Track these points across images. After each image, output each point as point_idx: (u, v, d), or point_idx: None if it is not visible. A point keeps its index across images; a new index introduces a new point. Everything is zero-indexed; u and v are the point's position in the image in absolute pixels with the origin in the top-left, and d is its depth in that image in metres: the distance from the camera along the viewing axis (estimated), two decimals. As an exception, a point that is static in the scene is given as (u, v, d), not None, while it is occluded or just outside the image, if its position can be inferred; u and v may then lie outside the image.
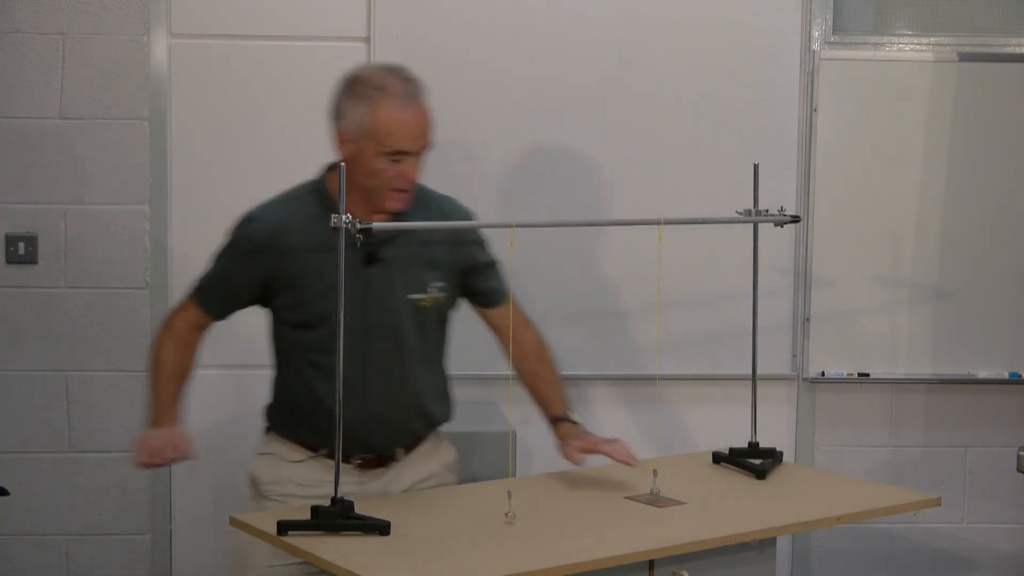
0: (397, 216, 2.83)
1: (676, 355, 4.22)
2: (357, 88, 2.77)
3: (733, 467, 3.18)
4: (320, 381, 2.82)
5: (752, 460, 3.16)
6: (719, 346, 4.27)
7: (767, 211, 3.22)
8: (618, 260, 4.16)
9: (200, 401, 4.18)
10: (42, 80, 4.04)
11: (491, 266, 3.02)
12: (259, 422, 4.15)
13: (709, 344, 4.27)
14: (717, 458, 3.24)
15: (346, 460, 2.86)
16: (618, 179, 4.19)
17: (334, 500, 2.57)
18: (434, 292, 2.88)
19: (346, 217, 2.57)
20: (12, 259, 4.06)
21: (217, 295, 2.91)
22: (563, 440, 2.93)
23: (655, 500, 2.84)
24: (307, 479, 2.89)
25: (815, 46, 4.23)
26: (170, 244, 4.13)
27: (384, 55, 4.08)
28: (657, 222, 2.95)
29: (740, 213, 3.22)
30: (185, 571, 4.23)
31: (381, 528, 2.54)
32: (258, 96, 4.12)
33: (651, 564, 2.59)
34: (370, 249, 2.80)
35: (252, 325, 4.20)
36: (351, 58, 4.11)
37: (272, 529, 2.54)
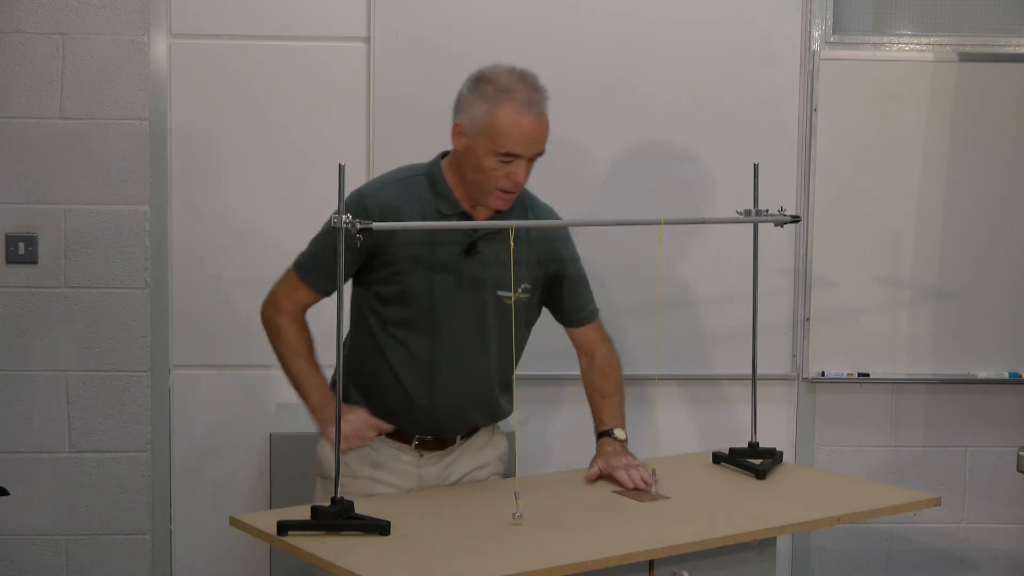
0: (499, 215, 2.90)
1: (676, 355, 4.22)
2: (482, 86, 2.82)
3: (733, 467, 3.18)
4: (398, 356, 2.90)
5: (752, 460, 3.16)
6: (719, 346, 4.27)
7: (767, 211, 3.22)
8: (617, 260, 4.16)
9: (200, 401, 4.20)
10: (42, 80, 4.04)
11: (579, 281, 3.08)
12: (257, 422, 4.17)
13: (709, 344, 4.27)
14: (717, 458, 3.24)
15: (406, 440, 2.97)
16: (618, 179, 4.19)
17: (334, 500, 2.57)
18: (519, 292, 2.94)
19: (346, 217, 2.59)
20: (12, 259, 4.06)
21: (324, 272, 2.89)
22: (596, 455, 3.01)
23: (641, 495, 2.85)
24: (374, 460, 2.96)
25: (815, 46, 4.23)
26: (170, 244, 4.13)
27: (384, 55, 4.08)
28: (657, 222, 2.95)
29: (740, 213, 3.23)
30: (185, 571, 4.23)
31: (381, 528, 2.54)
32: (258, 96, 4.13)
33: (651, 564, 2.59)
34: (472, 240, 2.86)
35: (252, 325, 4.21)
36: (351, 58, 4.12)
37: (272, 529, 2.54)
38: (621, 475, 2.92)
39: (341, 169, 2.61)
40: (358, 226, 2.60)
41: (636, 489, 2.89)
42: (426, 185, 2.90)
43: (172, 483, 4.19)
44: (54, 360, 4.11)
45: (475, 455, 3.05)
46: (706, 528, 2.66)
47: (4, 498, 3.76)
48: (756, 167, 3.24)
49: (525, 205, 2.99)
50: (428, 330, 2.89)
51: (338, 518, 2.55)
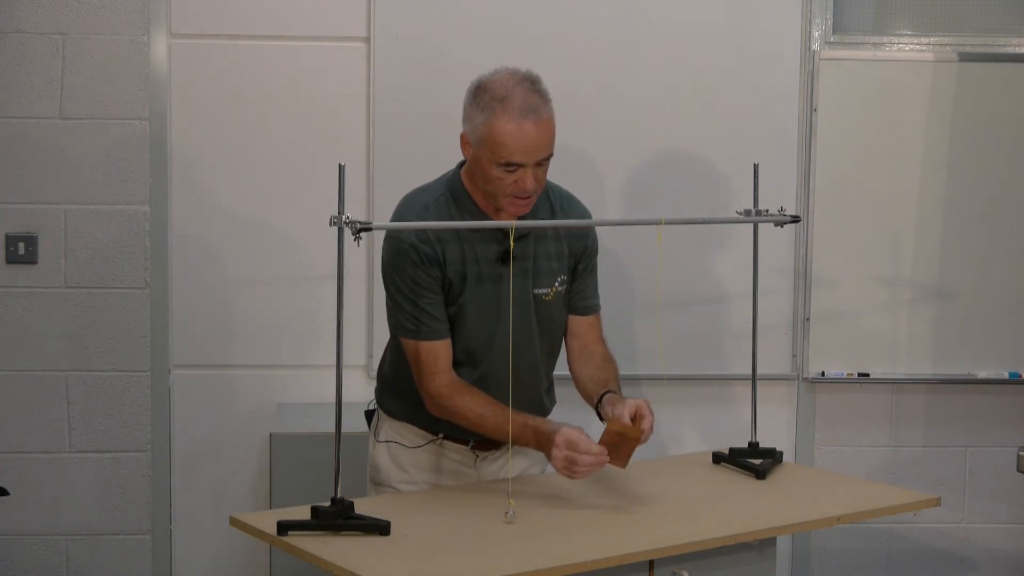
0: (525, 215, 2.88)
1: (676, 355, 4.22)
2: (480, 95, 2.78)
3: (733, 467, 3.18)
4: (456, 367, 2.89)
5: (752, 460, 3.16)
6: (719, 346, 4.27)
7: (767, 211, 3.22)
8: (617, 260, 4.16)
9: (200, 401, 4.20)
10: (42, 80, 4.04)
11: (593, 270, 3.06)
12: (257, 422, 4.17)
13: (709, 344, 4.27)
14: (717, 458, 3.24)
15: (463, 443, 2.97)
16: (618, 179, 4.19)
17: (334, 500, 2.57)
18: (557, 286, 2.95)
19: (345, 216, 2.59)
20: (12, 259, 4.06)
21: (433, 315, 2.84)
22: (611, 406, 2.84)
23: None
24: (433, 464, 2.98)
25: (815, 46, 4.23)
26: (170, 244, 4.13)
27: (384, 55, 4.08)
28: (657, 222, 2.95)
29: (740, 213, 3.22)
30: (185, 571, 4.23)
31: (381, 528, 2.54)
32: (258, 96, 4.12)
33: (651, 564, 2.59)
34: (505, 248, 2.84)
35: (249, 325, 4.22)
36: (351, 58, 4.12)
37: (272, 529, 2.54)
38: (642, 407, 2.76)
39: (341, 169, 2.61)
40: (358, 226, 2.60)
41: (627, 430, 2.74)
42: (451, 202, 2.88)
43: (172, 483, 4.19)
44: (54, 360, 4.11)
45: (527, 453, 3.04)
46: (706, 528, 2.66)
47: (4, 498, 3.76)
48: (756, 167, 3.24)
49: (551, 199, 2.97)
50: (482, 339, 2.88)
51: (338, 518, 2.55)
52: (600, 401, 2.87)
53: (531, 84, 2.79)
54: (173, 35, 4.09)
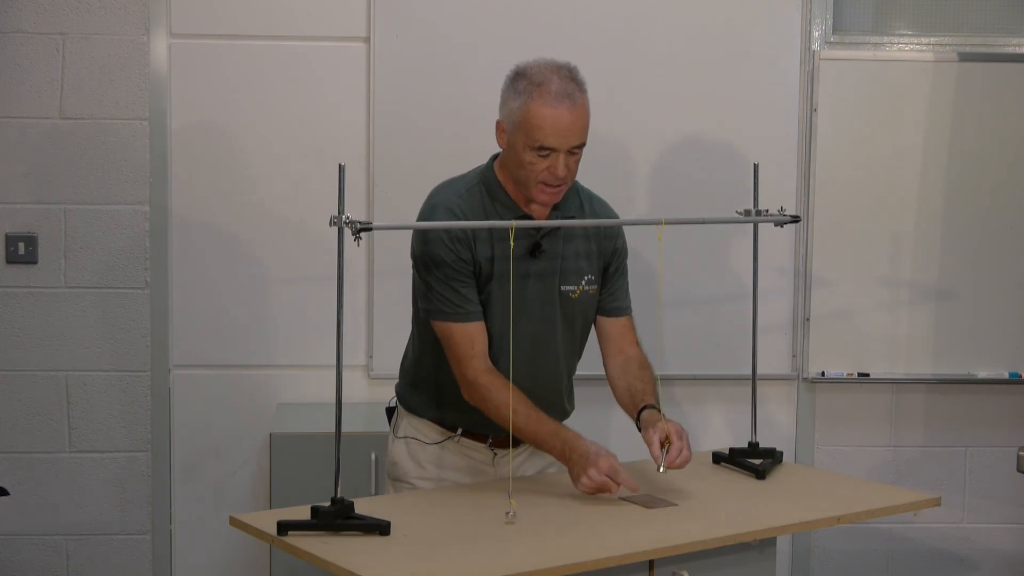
0: (553, 208, 2.91)
1: (676, 355, 4.22)
2: (518, 81, 2.83)
3: (733, 467, 3.18)
4: None
5: (752, 460, 3.16)
6: (719, 346, 4.27)
7: (767, 211, 3.22)
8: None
9: (200, 401, 4.20)
10: (42, 80, 4.04)
11: (624, 272, 3.09)
12: (257, 422, 4.17)
13: (709, 344, 4.27)
14: (717, 458, 3.24)
15: (481, 439, 2.98)
16: (618, 178, 4.19)
17: (334, 500, 2.57)
18: (584, 285, 2.96)
19: (345, 216, 2.59)
20: (12, 259, 4.06)
21: (467, 298, 2.85)
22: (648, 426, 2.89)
23: (647, 501, 2.83)
24: (447, 461, 2.99)
25: (815, 46, 4.23)
26: (170, 244, 4.13)
27: (384, 55, 4.08)
28: (657, 222, 2.95)
29: (740, 213, 3.22)
30: (185, 571, 4.23)
31: (381, 528, 2.54)
32: (258, 96, 4.12)
33: (651, 564, 2.59)
34: (535, 241, 2.86)
35: (249, 325, 4.22)
36: (351, 58, 4.12)
37: (272, 529, 2.54)
38: (674, 438, 2.83)
39: (341, 169, 2.61)
40: (358, 226, 2.60)
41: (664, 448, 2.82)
42: (484, 193, 2.90)
43: (172, 483, 4.19)
44: (54, 360, 4.11)
45: (544, 454, 3.04)
46: (706, 528, 2.66)
47: (4, 498, 3.76)
48: (756, 167, 3.24)
49: (581, 200, 3.00)
50: (505, 333, 2.88)
51: (338, 518, 2.55)
52: (639, 416, 2.91)
53: (568, 72, 2.85)
54: (173, 35, 4.09)
